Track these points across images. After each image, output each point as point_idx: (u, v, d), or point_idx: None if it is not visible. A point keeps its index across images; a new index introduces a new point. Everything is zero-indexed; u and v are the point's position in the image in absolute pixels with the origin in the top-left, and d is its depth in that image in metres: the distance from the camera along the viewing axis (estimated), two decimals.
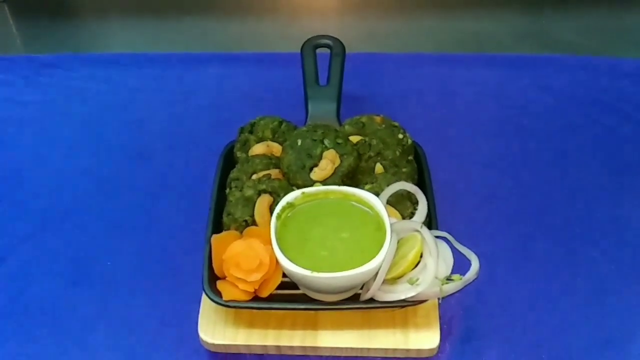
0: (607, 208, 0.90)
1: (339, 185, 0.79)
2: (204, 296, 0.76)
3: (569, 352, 0.76)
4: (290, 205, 0.77)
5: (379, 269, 0.71)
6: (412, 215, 0.79)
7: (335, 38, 0.96)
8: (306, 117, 0.90)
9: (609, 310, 0.80)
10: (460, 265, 0.74)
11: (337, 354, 0.76)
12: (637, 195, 0.92)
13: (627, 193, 0.92)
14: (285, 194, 0.77)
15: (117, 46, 1.22)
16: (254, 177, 0.82)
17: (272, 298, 0.74)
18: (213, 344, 0.75)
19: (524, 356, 0.76)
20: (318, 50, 0.95)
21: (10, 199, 0.93)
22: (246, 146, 0.87)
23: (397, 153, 0.85)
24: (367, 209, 0.76)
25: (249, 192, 0.80)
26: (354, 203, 0.77)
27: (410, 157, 0.87)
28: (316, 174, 0.81)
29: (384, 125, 0.87)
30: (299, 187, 0.79)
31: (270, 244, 0.72)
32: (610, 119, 1.02)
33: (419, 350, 0.75)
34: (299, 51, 0.95)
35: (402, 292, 0.72)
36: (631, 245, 0.86)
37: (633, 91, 1.06)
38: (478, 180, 0.94)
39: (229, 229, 0.79)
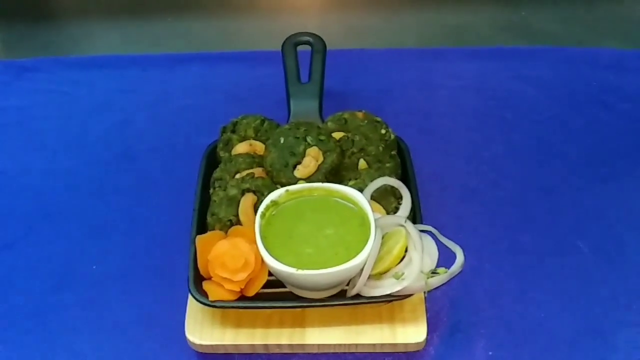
0: (592, 198, 0.90)
1: (323, 182, 0.79)
2: (190, 297, 0.76)
3: (556, 342, 0.76)
4: (274, 203, 0.76)
5: (364, 265, 0.71)
6: (396, 210, 0.79)
7: (316, 35, 0.95)
8: (288, 115, 0.90)
9: (595, 301, 0.80)
10: (445, 258, 0.74)
11: (325, 351, 0.76)
12: (621, 185, 0.92)
13: (611, 183, 0.92)
14: (269, 192, 0.77)
15: (97, 49, 1.20)
16: (238, 176, 0.82)
17: (258, 297, 0.74)
18: (200, 345, 0.75)
19: (512, 347, 0.76)
20: (299, 48, 0.95)
21: None
22: (229, 145, 0.87)
23: (380, 148, 0.85)
24: (351, 205, 0.76)
25: (232, 192, 0.79)
26: (338, 199, 0.77)
27: (394, 152, 0.86)
28: (299, 171, 0.81)
29: (366, 121, 0.87)
30: (282, 185, 0.79)
31: (255, 243, 0.72)
32: (593, 110, 1.03)
33: (406, 345, 0.75)
34: (280, 49, 0.95)
35: (388, 286, 0.72)
36: (616, 235, 0.86)
37: (614, 81, 1.07)
38: (462, 174, 0.94)
39: (213, 229, 0.78)
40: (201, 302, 0.73)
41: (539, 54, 1.12)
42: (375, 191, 0.79)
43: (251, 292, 0.74)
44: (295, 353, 0.76)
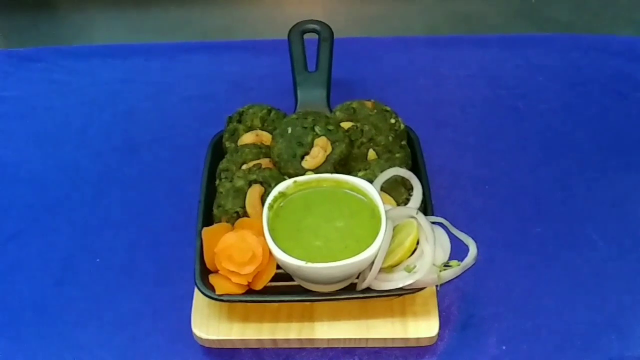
0: (605, 189, 0.89)
1: (332, 173, 0.78)
2: (196, 291, 0.75)
3: (569, 337, 0.75)
4: (282, 195, 0.75)
5: (375, 258, 0.70)
6: (406, 201, 0.78)
7: (323, 23, 0.94)
8: (296, 104, 0.88)
9: (609, 294, 0.78)
10: (457, 251, 0.72)
11: (335, 345, 0.74)
12: (635, 176, 0.90)
13: (625, 173, 0.91)
14: (277, 183, 0.76)
15: (99, 38, 1.19)
16: (244, 167, 0.81)
17: (266, 290, 0.73)
18: (207, 340, 0.74)
19: (524, 342, 0.75)
20: (306, 36, 0.93)
21: None
22: (235, 136, 0.85)
23: (390, 138, 0.83)
24: (361, 197, 0.75)
25: (239, 183, 0.78)
26: (347, 191, 0.76)
27: (404, 142, 0.85)
28: (308, 162, 0.80)
29: (375, 111, 0.86)
30: (290, 176, 0.78)
31: (263, 235, 0.71)
32: (605, 98, 1.01)
33: (418, 339, 0.73)
34: (287, 37, 0.93)
35: (400, 280, 0.71)
36: (631, 226, 0.85)
37: (627, 69, 1.05)
38: (473, 164, 0.92)
39: (219, 221, 0.77)
40: (208, 296, 0.72)
41: (550, 42, 1.10)
42: (385, 182, 0.77)
43: (259, 286, 0.72)
44: (304, 348, 0.75)
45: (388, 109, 0.86)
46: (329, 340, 0.74)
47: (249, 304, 0.74)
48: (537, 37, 1.11)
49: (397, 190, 0.79)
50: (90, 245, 0.84)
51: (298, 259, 0.69)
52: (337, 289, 0.73)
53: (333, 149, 0.80)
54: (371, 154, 0.82)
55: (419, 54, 1.09)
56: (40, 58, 1.10)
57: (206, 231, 0.74)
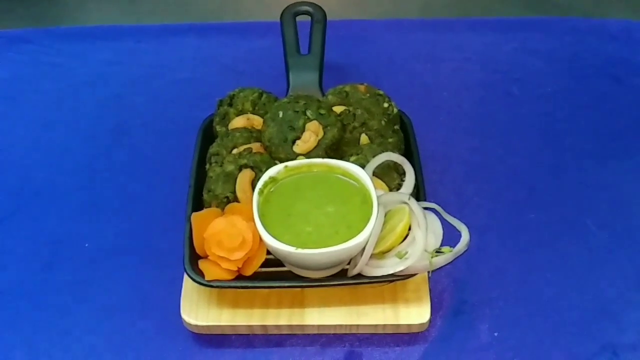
0: (599, 174, 0.88)
1: (323, 157, 0.77)
2: (185, 277, 0.74)
3: (562, 323, 0.75)
4: (272, 179, 0.74)
5: (366, 244, 0.69)
6: (399, 186, 0.77)
7: (316, 4, 0.93)
8: (287, 88, 0.87)
9: (604, 281, 0.78)
10: (450, 237, 0.72)
11: (325, 332, 0.74)
12: (631, 162, 0.90)
13: (619, 158, 0.90)
14: (267, 168, 0.75)
15: (89, 19, 1.18)
16: (235, 151, 0.80)
17: (256, 276, 0.72)
18: (196, 326, 0.73)
19: (517, 329, 0.74)
20: (298, 18, 0.92)
21: None
22: (225, 119, 0.84)
23: (383, 123, 0.82)
24: (353, 182, 0.74)
25: (229, 167, 0.77)
26: (338, 176, 0.75)
27: (396, 127, 0.84)
28: (299, 146, 0.79)
29: (368, 94, 0.85)
30: (281, 161, 0.77)
31: (253, 221, 0.70)
32: (601, 83, 1.00)
33: (409, 326, 0.73)
34: (279, 19, 0.92)
35: (391, 266, 0.70)
36: (624, 212, 0.84)
37: (623, 54, 1.04)
38: (466, 149, 0.91)
39: (209, 206, 0.76)
40: (197, 282, 0.72)
41: (546, 25, 1.09)
42: (377, 167, 0.77)
43: (249, 272, 0.72)
44: (295, 334, 0.74)
45: (381, 92, 0.85)
46: (319, 326, 0.73)
47: (238, 289, 0.73)
48: (533, 21, 1.11)
49: (389, 176, 0.78)
50: (79, 230, 0.83)
51: (288, 244, 0.68)
52: (327, 275, 0.73)
53: (325, 133, 0.79)
54: (363, 139, 0.81)
55: (414, 37, 1.08)
56: (30, 39, 1.09)
57: (196, 216, 0.73)
